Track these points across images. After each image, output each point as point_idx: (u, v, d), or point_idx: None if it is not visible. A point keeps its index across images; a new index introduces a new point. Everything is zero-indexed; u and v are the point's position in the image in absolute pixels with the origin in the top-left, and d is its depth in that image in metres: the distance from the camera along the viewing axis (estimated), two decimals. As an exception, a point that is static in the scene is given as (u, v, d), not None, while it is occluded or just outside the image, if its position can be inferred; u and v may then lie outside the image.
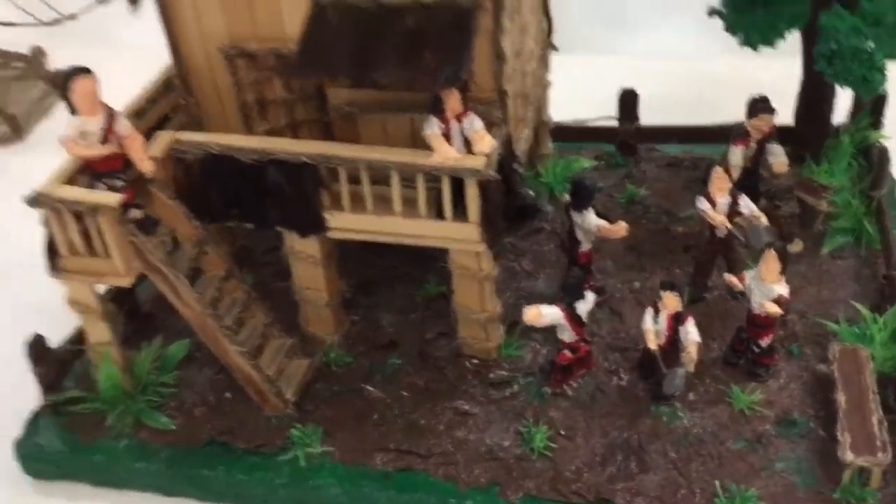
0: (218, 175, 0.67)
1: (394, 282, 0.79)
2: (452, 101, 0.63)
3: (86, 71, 0.65)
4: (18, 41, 1.26)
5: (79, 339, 0.75)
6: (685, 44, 1.23)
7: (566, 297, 0.75)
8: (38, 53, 1.25)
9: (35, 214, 1.01)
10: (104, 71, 1.28)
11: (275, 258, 0.77)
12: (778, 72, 0.90)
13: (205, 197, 0.66)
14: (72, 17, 1.08)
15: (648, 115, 1.06)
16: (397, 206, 0.65)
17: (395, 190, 0.64)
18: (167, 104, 0.73)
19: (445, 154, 0.63)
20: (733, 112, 0.99)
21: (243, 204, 0.67)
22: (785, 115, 0.90)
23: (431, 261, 0.71)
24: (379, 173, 0.63)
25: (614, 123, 0.95)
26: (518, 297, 0.81)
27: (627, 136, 0.96)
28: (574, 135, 0.95)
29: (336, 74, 0.62)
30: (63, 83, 0.65)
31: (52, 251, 0.65)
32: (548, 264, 0.88)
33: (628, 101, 0.94)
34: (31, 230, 0.98)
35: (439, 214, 0.65)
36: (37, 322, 0.92)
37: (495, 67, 0.65)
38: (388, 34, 0.62)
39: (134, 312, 0.75)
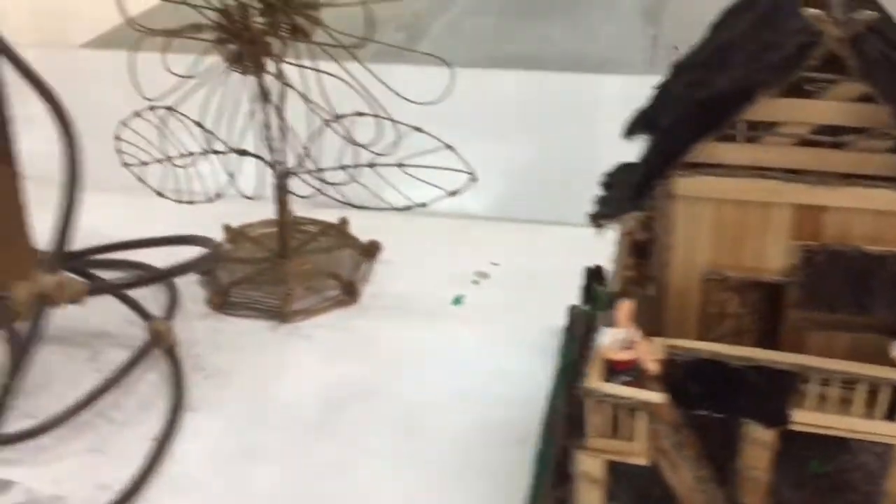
0: (699, 373, 0.83)
1: (785, 454, 0.92)
2: (920, 328, 0.79)
3: (626, 295, 0.81)
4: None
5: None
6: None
7: None
8: (343, 222, 1.44)
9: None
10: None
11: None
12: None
13: (684, 389, 0.82)
14: (422, 205, 1.26)
15: None
16: (858, 410, 0.81)
17: (860, 397, 0.80)
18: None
19: (919, 373, 0.79)
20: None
21: (717, 397, 0.83)
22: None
23: (811, 439, 0.85)
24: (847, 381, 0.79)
25: None
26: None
27: None
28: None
29: (836, 309, 0.78)
30: (609, 303, 0.82)
31: (580, 430, 0.80)
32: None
33: None
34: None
35: (890, 416, 0.81)
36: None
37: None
38: (872, 276, 0.79)
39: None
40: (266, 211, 1.36)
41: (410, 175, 1.23)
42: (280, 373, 1.18)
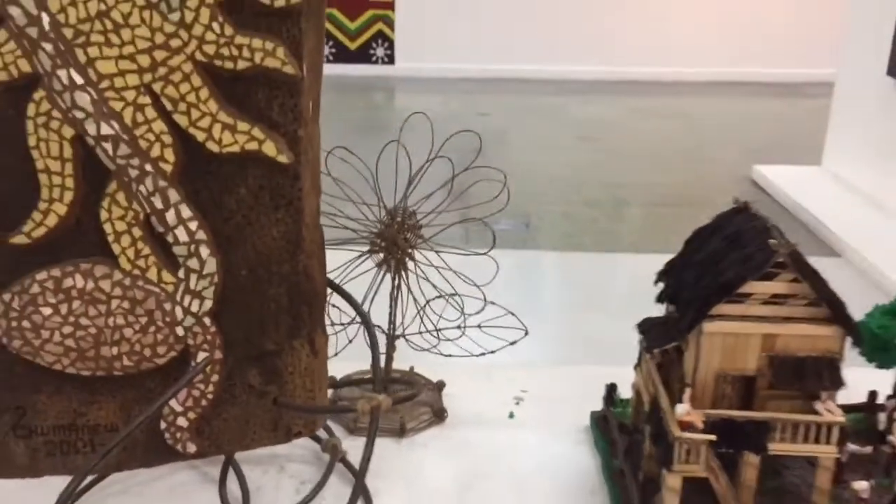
0: (721, 427, 1.52)
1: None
2: None
3: (685, 387, 1.48)
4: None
5: (654, 510, 1.50)
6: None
7: None
8: (412, 369, 2.05)
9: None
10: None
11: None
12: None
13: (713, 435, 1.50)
14: (492, 352, 1.90)
15: None
16: (801, 439, 1.52)
17: (801, 433, 1.51)
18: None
19: None
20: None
21: (729, 439, 1.52)
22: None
23: (769, 463, 1.51)
24: None
25: None
26: None
27: None
28: None
29: (786, 387, 1.51)
30: (680, 390, 1.48)
31: (669, 460, 1.44)
32: None
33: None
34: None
35: (816, 441, 1.53)
36: None
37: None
38: (803, 368, 1.53)
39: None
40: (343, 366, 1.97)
41: (485, 332, 1.89)
42: (420, 469, 1.77)
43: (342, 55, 10.22)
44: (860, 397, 1.87)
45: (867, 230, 5.54)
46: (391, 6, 10.22)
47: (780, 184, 6.60)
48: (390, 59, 10.44)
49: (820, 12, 8.80)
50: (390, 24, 10.32)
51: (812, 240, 5.61)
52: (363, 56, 10.36)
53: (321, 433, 1.78)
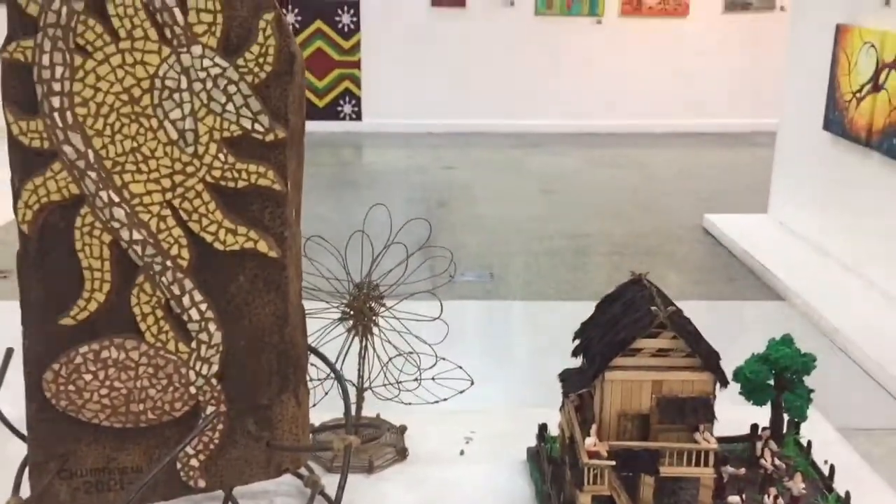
0: (622, 455, 1.92)
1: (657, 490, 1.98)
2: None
3: (591, 424, 1.86)
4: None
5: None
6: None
7: None
8: (378, 416, 2.44)
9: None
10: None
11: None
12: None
13: (617, 461, 1.90)
14: (444, 399, 2.29)
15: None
16: (684, 464, 1.92)
17: (683, 458, 1.91)
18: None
19: None
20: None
21: (628, 464, 1.91)
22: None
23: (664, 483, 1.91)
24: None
25: None
26: None
27: None
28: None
29: (671, 421, 1.91)
30: (589, 427, 1.87)
31: (581, 482, 1.83)
32: None
33: None
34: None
35: (697, 464, 1.92)
36: None
37: None
38: (684, 406, 1.94)
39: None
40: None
41: (438, 383, 2.28)
42: (385, 500, 2.14)
43: (311, 113, 10.59)
44: (745, 430, 2.29)
45: (808, 275, 6.01)
46: (357, 65, 10.71)
47: (729, 231, 7.07)
48: (357, 116, 10.92)
49: (769, 62, 9.46)
50: (357, 82, 10.80)
51: (759, 285, 6.05)
52: (331, 113, 10.82)
53: (303, 471, 2.16)
